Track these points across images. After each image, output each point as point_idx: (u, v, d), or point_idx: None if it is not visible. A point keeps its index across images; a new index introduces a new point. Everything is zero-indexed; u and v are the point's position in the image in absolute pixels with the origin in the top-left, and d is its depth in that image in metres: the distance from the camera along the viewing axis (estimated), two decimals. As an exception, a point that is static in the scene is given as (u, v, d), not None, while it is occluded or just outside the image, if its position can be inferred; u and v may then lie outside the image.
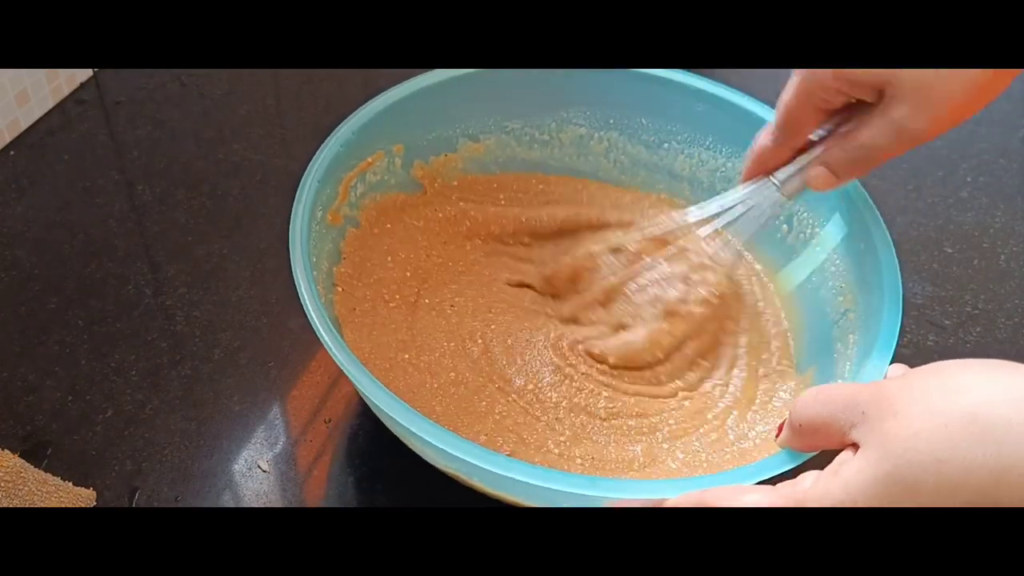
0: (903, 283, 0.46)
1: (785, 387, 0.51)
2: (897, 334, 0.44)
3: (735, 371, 0.52)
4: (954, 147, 0.75)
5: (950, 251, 0.66)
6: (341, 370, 0.41)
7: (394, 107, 0.54)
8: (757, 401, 0.51)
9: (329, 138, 0.51)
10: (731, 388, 0.51)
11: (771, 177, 0.49)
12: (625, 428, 0.49)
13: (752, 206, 0.49)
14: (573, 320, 0.53)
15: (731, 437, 0.49)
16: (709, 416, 0.50)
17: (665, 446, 0.48)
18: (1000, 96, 0.40)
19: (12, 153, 0.68)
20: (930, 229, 0.68)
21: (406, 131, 0.56)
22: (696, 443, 0.48)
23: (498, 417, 0.48)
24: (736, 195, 0.49)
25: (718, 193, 0.58)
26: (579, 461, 0.47)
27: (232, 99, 0.75)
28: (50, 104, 0.72)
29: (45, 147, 0.69)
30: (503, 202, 0.60)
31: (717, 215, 0.50)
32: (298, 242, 0.45)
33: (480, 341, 0.52)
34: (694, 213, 0.51)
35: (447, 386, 0.49)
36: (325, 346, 0.41)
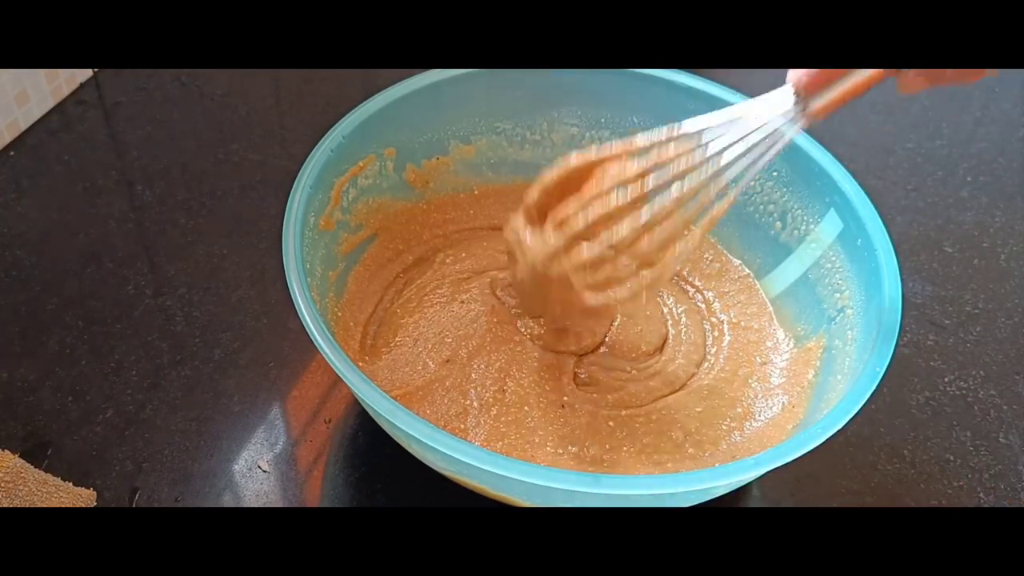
0: (903, 283, 0.46)
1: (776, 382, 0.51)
2: (898, 329, 0.44)
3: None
4: (954, 147, 0.75)
5: (950, 251, 0.66)
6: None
7: (384, 110, 0.54)
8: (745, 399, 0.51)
9: (320, 143, 0.51)
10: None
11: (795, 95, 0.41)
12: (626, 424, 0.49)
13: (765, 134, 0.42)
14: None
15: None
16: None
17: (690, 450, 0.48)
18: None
19: (12, 153, 0.68)
20: (930, 229, 0.68)
21: (397, 134, 0.56)
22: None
23: (492, 418, 0.48)
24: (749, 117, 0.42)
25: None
26: (576, 458, 0.47)
27: (232, 99, 0.75)
28: (50, 104, 0.72)
29: (45, 147, 0.69)
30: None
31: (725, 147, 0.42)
32: (291, 250, 0.45)
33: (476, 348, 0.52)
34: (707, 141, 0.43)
35: (446, 390, 0.49)
36: (322, 352, 0.41)
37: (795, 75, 0.41)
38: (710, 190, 0.42)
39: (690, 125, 0.43)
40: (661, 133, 0.44)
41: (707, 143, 0.43)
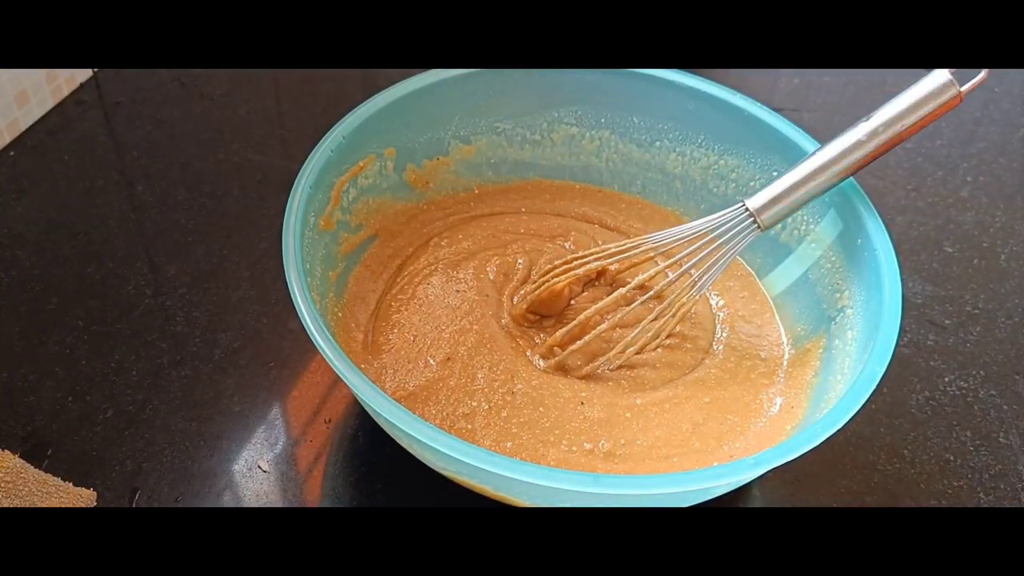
0: (903, 283, 0.46)
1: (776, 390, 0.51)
2: (898, 328, 0.44)
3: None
4: (954, 147, 0.75)
5: (950, 251, 0.66)
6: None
7: (384, 110, 0.54)
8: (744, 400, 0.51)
9: (320, 143, 0.51)
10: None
11: (745, 203, 0.49)
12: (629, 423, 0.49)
13: (724, 243, 0.50)
14: (550, 355, 0.52)
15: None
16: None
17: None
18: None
19: (12, 153, 0.68)
20: (930, 229, 0.68)
21: (397, 134, 0.56)
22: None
23: (503, 419, 0.48)
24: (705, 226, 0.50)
25: (706, 189, 0.60)
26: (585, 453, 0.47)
27: (232, 99, 0.75)
28: (50, 104, 0.72)
29: (45, 147, 0.69)
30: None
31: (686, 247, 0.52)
32: (291, 250, 0.45)
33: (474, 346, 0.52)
34: (660, 243, 0.52)
35: (451, 390, 0.49)
36: (322, 353, 0.41)
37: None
38: (682, 297, 0.52)
39: (658, 239, 0.52)
40: (633, 248, 0.52)
41: (673, 262, 0.53)
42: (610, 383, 0.50)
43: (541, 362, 0.51)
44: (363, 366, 0.50)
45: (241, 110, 0.74)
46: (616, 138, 0.61)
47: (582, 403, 0.49)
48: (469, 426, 0.47)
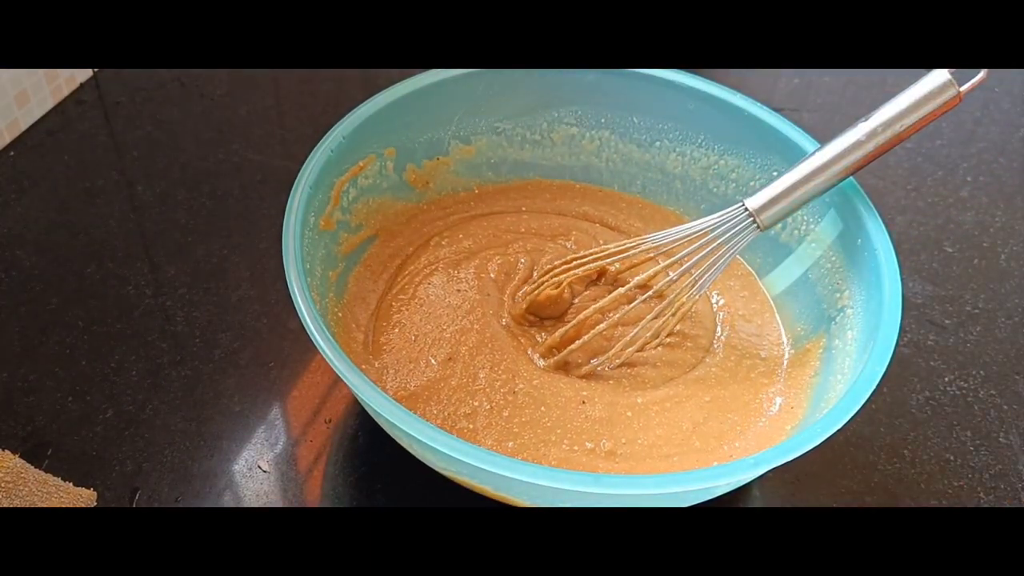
0: (903, 283, 0.46)
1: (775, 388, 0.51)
2: (898, 328, 0.44)
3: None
4: (954, 147, 0.75)
5: (950, 251, 0.66)
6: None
7: (384, 110, 0.54)
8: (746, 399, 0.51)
9: (320, 143, 0.51)
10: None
11: (744, 203, 0.49)
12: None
13: (723, 242, 0.50)
14: (551, 354, 0.52)
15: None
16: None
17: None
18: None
19: (12, 153, 0.68)
20: (930, 229, 0.68)
21: (397, 134, 0.56)
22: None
23: (505, 419, 0.48)
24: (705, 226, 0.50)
25: (705, 189, 0.60)
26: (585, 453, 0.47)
27: (232, 99, 0.75)
28: (50, 104, 0.72)
29: (45, 147, 0.69)
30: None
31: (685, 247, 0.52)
32: (291, 250, 0.45)
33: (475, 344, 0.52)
34: (658, 244, 0.52)
35: (452, 390, 0.49)
36: (322, 353, 0.41)
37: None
38: (682, 296, 0.52)
39: (658, 239, 0.52)
40: (633, 247, 0.52)
41: (673, 261, 0.52)
42: (611, 382, 0.51)
43: (542, 361, 0.51)
44: (364, 366, 0.50)
45: (241, 110, 0.74)
46: (616, 138, 0.61)
47: (583, 402, 0.49)
48: (471, 426, 0.47)
